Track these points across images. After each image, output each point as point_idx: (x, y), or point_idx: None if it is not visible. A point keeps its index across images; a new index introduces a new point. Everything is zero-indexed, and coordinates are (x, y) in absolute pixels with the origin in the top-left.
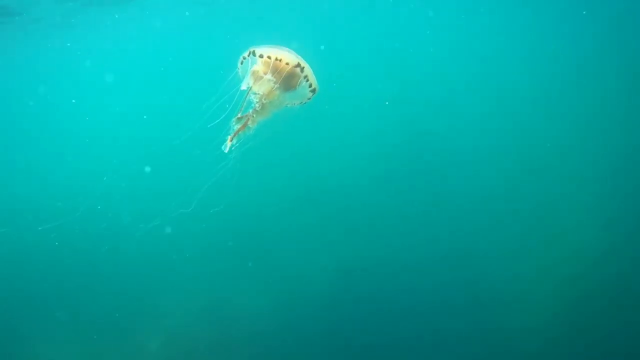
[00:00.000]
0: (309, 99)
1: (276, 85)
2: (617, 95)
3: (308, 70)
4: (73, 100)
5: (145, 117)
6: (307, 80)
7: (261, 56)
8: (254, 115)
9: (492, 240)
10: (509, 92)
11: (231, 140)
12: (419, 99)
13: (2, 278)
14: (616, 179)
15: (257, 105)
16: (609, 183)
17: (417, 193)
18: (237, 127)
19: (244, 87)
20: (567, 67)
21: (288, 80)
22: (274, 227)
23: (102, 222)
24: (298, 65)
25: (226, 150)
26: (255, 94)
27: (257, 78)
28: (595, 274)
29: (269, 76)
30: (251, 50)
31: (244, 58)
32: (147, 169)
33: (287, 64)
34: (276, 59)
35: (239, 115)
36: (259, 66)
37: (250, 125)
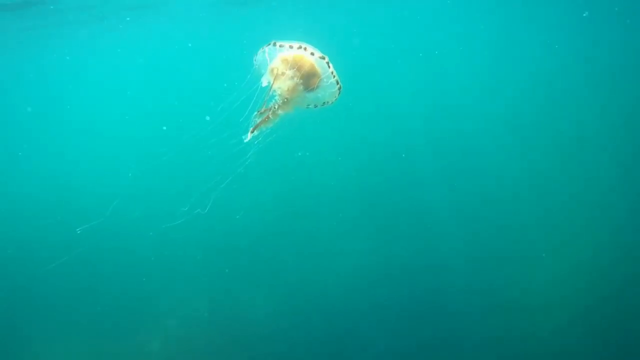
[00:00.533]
0: (335, 97)
1: (298, 81)
2: (632, 99)
3: (332, 67)
4: (90, 100)
5: (157, 119)
6: (334, 77)
7: (282, 46)
8: (276, 108)
9: (507, 246)
10: (531, 100)
11: (252, 133)
12: (435, 104)
13: (2, 278)
14: (629, 184)
15: (278, 99)
16: (622, 187)
17: (431, 199)
18: (258, 120)
19: (264, 83)
20: (579, 73)
21: (308, 79)
22: (280, 231)
23: (103, 222)
24: (323, 57)
25: (246, 140)
26: (276, 89)
27: (278, 74)
28: (610, 279)
29: (289, 71)
30: (273, 42)
31: (265, 51)
32: (147, 170)
33: (312, 53)
34: (299, 48)
35: (262, 109)
36: (278, 62)
37: (271, 117)
